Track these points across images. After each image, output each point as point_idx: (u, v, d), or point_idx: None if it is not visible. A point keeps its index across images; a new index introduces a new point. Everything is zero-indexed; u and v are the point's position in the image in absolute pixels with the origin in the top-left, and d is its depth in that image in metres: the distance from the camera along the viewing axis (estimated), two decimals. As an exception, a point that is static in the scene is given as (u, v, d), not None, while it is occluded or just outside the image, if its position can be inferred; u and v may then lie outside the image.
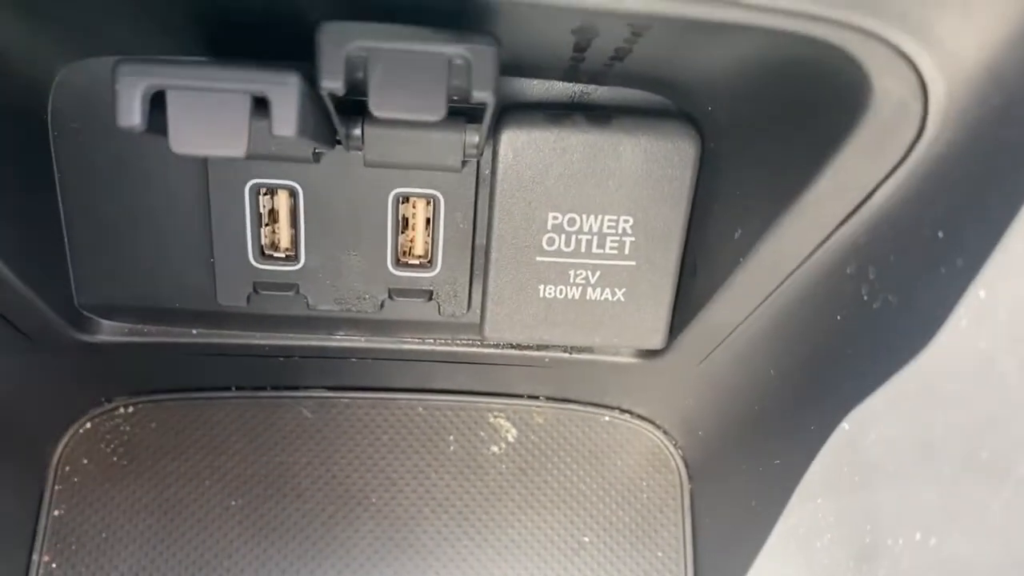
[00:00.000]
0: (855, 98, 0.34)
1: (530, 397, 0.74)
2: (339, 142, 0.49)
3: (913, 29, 0.31)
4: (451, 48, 0.35)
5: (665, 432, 0.73)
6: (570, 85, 0.53)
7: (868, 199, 0.39)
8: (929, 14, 0.30)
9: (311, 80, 0.37)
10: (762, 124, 0.44)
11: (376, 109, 0.36)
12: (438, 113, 0.36)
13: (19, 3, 0.41)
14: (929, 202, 0.36)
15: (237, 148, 0.36)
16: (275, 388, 0.72)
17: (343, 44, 0.35)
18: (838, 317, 0.45)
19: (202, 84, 0.36)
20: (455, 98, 0.38)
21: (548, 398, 0.74)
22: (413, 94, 0.36)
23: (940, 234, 0.36)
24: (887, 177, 0.37)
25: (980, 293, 0.34)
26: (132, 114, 0.36)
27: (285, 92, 0.36)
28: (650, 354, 0.62)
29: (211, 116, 0.36)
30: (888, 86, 0.33)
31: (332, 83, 0.36)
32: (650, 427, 0.73)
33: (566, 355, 0.63)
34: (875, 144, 0.35)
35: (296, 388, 0.72)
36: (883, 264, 0.40)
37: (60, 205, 0.53)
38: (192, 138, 0.36)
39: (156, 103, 0.37)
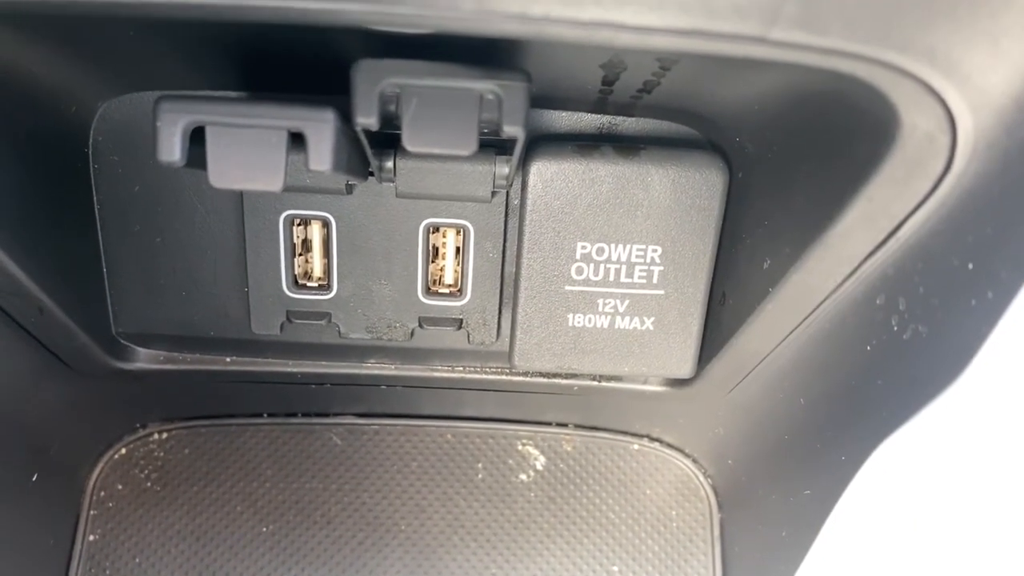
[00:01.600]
0: (883, 132, 0.35)
1: (559, 425, 0.74)
2: (371, 174, 0.50)
3: (940, 65, 0.31)
4: (482, 84, 0.36)
5: (695, 461, 0.73)
6: (598, 116, 0.54)
7: (897, 230, 0.39)
8: (956, 50, 0.30)
9: (345, 115, 0.38)
10: (790, 155, 0.45)
11: (409, 144, 0.37)
12: (470, 148, 0.37)
13: (63, 40, 0.42)
14: (958, 234, 0.36)
15: (274, 183, 0.37)
16: (306, 415, 0.72)
17: (377, 81, 0.36)
18: (868, 348, 0.45)
19: (240, 120, 0.37)
20: (485, 131, 0.39)
21: (577, 426, 0.74)
22: (445, 130, 0.37)
23: (970, 266, 0.36)
24: (916, 209, 0.37)
25: (1012, 325, 0.34)
26: (172, 150, 0.37)
27: (321, 128, 0.37)
28: (679, 383, 0.62)
29: (249, 151, 0.37)
30: (916, 120, 0.33)
31: (366, 119, 0.36)
32: (679, 456, 0.73)
33: (595, 383, 0.63)
34: (903, 176, 0.36)
35: (327, 415, 0.72)
36: (913, 295, 0.40)
37: (99, 236, 0.55)
38: (230, 173, 0.37)
39: (195, 138, 0.38)
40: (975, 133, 0.33)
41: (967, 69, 0.31)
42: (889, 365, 0.43)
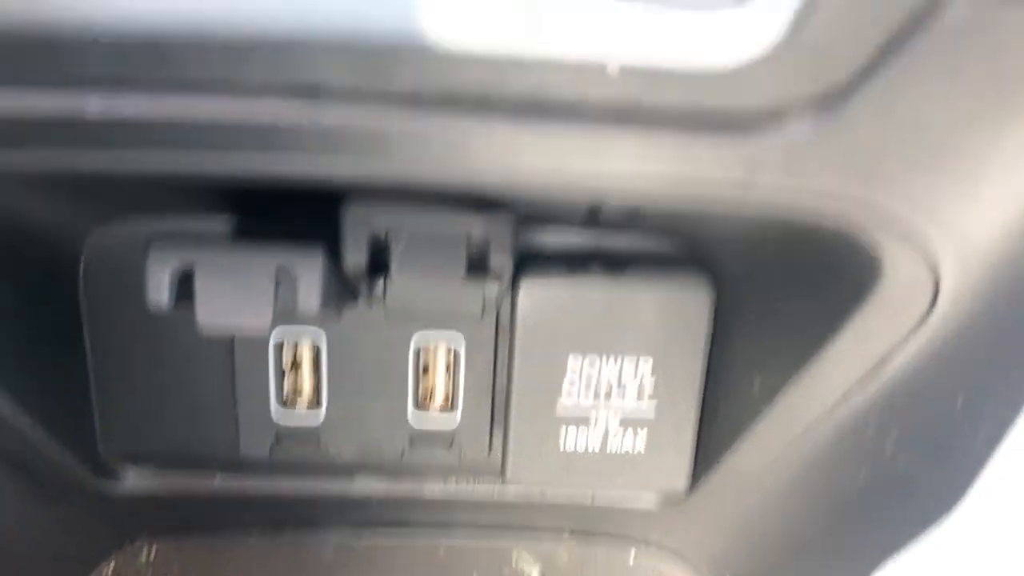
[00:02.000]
0: (865, 272, 0.35)
1: (554, 534, 0.73)
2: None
3: (922, 211, 0.31)
4: (469, 223, 0.37)
5: (694, 569, 0.72)
6: (586, 231, 0.54)
7: (884, 364, 0.39)
8: (937, 198, 0.31)
9: (333, 248, 0.38)
10: (775, 281, 0.45)
11: (399, 277, 0.37)
12: (457, 276, 0.37)
13: (53, 179, 0.42)
14: (947, 368, 0.36)
15: (261, 326, 0.37)
16: (296, 530, 0.71)
17: (366, 225, 0.36)
18: (863, 471, 0.44)
19: (229, 263, 0.37)
20: (474, 253, 0.39)
21: (573, 533, 0.73)
22: (434, 264, 0.37)
23: (960, 400, 0.36)
24: (902, 344, 0.37)
25: (1005, 459, 0.34)
26: (161, 293, 0.37)
27: (309, 271, 0.37)
28: (674, 497, 0.61)
29: (237, 295, 0.37)
30: (898, 263, 0.33)
31: (356, 259, 0.37)
32: (679, 564, 0.72)
33: (588, 502, 0.62)
34: (888, 313, 0.36)
35: (317, 530, 0.71)
36: (904, 427, 0.40)
37: (88, 359, 0.54)
38: (218, 317, 0.37)
39: (185, 276, 0.38)
40: (957, 277, 0.33)
41: (948, 216, 0.31)
42: (885, 489, 0.43)
